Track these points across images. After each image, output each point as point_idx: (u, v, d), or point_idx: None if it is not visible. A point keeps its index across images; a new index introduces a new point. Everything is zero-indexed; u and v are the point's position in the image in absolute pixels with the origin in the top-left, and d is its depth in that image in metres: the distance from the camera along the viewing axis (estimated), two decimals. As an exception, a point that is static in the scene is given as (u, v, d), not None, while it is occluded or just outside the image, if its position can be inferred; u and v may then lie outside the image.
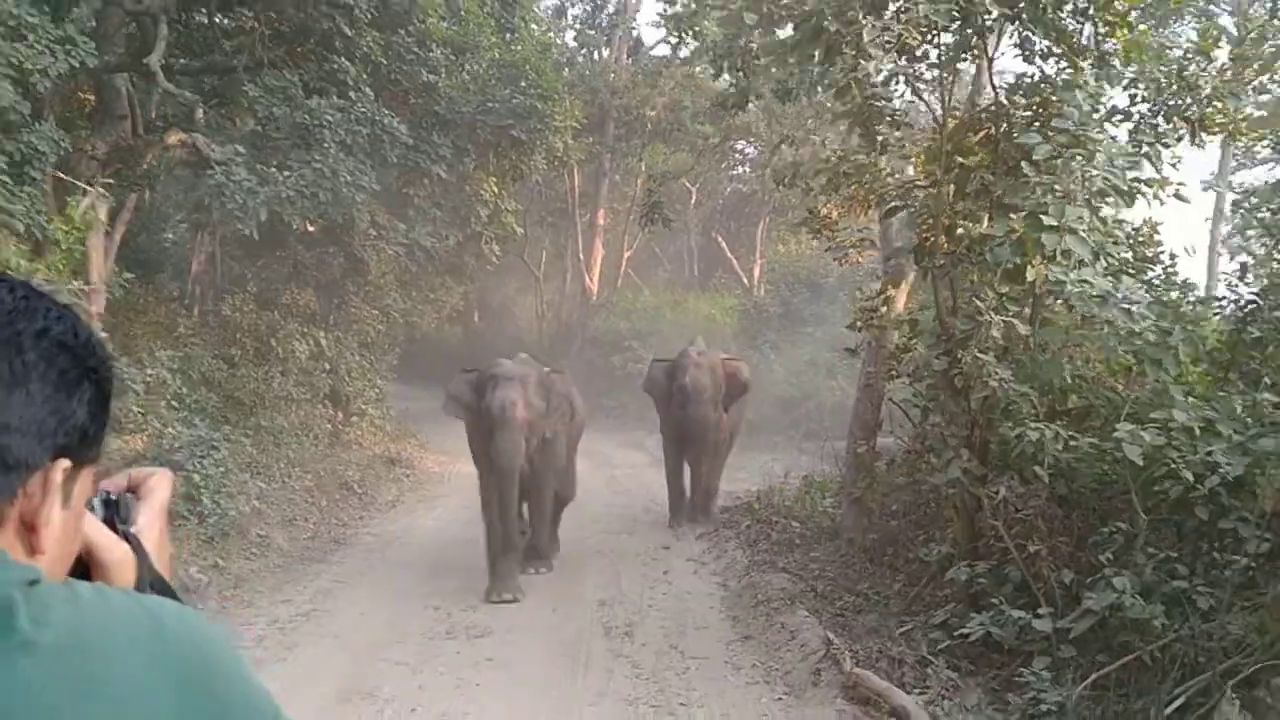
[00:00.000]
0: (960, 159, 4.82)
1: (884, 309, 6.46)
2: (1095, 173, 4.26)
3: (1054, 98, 4.63)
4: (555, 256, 22.53)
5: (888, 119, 5.07)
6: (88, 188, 7.69)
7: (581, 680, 5.62)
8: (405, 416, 15.06)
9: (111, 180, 9.67)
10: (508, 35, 11.93)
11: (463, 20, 11.30)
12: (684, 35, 11.04)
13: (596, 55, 20.23)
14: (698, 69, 12.63)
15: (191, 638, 0.77)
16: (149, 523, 0.94)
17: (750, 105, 8.77)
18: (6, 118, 8.29)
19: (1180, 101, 5.16)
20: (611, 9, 19.73)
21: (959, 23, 4.71)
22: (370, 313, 14.20)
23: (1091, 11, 4.62)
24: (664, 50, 17.80)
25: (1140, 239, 5.30)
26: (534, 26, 12.79)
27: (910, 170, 5.84)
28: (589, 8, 20.15)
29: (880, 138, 5.12)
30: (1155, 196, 5.04)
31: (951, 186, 4.89)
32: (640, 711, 5.08)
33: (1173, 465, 4.09)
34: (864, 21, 4.55)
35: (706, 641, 6.13)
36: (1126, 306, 4.10)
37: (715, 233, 22.45)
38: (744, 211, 21.99)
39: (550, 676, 5.66)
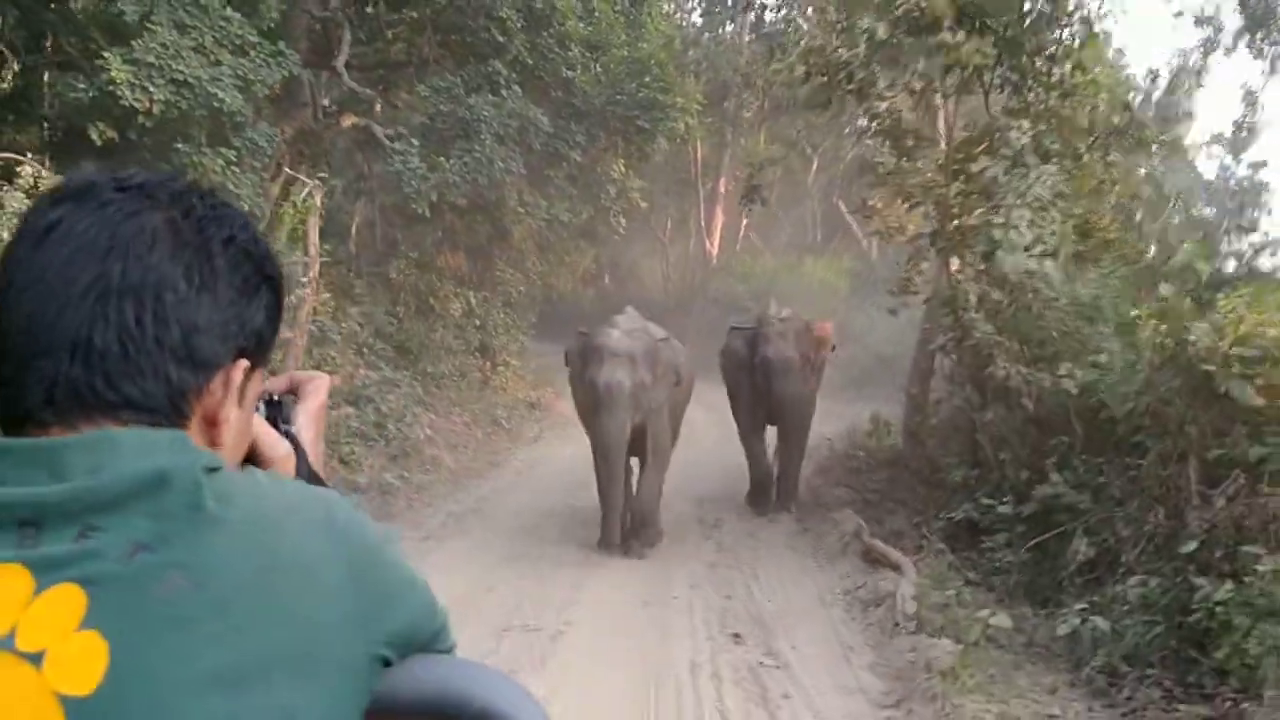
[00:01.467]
0: (956, 168, 6.56)
1: (916, 279, 8.26)
2: (1030, 186, 5.95)
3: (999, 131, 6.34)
4: (680, 222, 24.51)
5: (910, 134, 6.84)
6: (305, 179, 10.07)
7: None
8: (543, 368, 17.36)
9: (292, 159, 12.17)
10: (636, 32, 13.92)
11: (596, 21, 13.34)
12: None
13: (722, 31, 22.03)
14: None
15: (357, 523, 0.83)
16: (306, 423, 1.02)
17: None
18: (235, 119, 10.79)
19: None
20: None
21: (951, 72, 6.44)
22: (513, 275, 16.47)
23: (1059, 57, 6.25)
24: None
25: (1099, 228, 6.93)
26: (661, 23, 14.71)
27: (929, 175, 7.59)
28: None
29: (904, 149, 6.89)
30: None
31: (951, 188, 6.64)
32: (720, 572, 7.21)
33: (1101, 395, 5.83)
34: (879, 73, 6.31)
35: (775, 532, 8.28)
36: (1044, 281, 5.82)
37: (836, 197, 24.00)
38: (864, 177, 23.40)
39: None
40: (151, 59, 9.48)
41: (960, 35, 6.21)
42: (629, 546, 7.69)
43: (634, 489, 8.18)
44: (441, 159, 11.46)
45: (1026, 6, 6.50)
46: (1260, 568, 4.24)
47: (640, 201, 15.16)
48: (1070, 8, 6.63)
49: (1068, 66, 6.38)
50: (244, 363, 0.85)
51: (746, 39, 20.73)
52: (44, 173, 8.39)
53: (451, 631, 0.88)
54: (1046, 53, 6.37)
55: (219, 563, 0.73)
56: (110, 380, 0.77)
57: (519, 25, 12.00)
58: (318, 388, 1.06)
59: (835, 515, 8.29)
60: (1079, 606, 4.89)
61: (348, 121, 13.45)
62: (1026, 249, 5.82)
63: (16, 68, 10.42)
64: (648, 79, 12.88)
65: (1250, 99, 25.40)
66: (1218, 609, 4.20)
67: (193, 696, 0.69)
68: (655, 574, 7.22)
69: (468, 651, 0.90)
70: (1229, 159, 26.67)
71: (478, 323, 15.25)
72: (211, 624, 0.71)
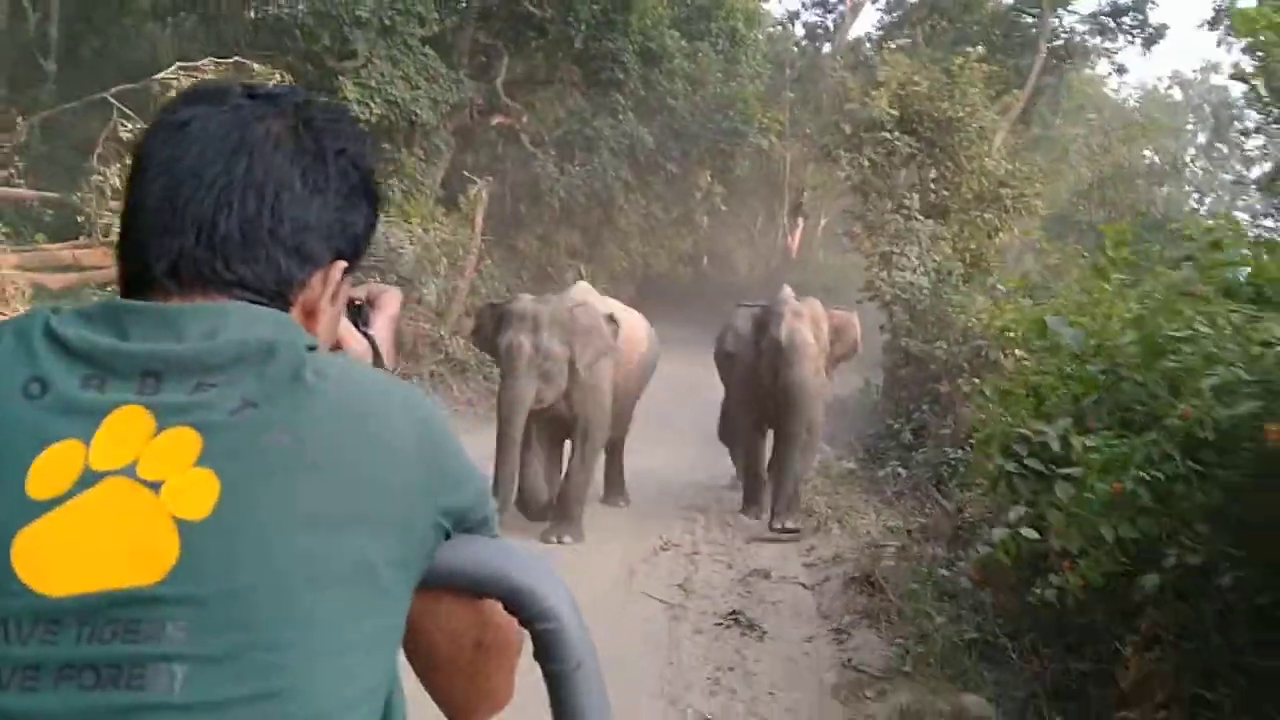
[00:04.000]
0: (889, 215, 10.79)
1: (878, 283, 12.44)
2: (915, 231, 10.10)
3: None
4: (769, 219, 28.68)
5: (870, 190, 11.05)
6: (476, 179, 14.73)
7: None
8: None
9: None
10: (733, 67, 18.22)
11: (699, 60, 17.69)
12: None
13: (823, 49, 26.02)
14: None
15: (427, 409, 0.95)
16: (382, 327, 1.14)
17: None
18: (426, 129, 15.49)
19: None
20: (835, 16, 25.52)
21: (889, 157, 10.64)
22: (618, 253, 20.90)
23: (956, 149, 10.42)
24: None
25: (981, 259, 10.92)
26: (754, 63, 18.95)
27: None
28: (819, 13, 26.06)
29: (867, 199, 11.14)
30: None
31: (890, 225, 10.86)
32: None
33: (941, 356, 10.02)
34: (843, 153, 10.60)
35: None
36: (916, 289, 9.92)
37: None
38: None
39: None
40: (373, 83, 14.22)
41: (896, 133, 10.41)
42: (552, 530, 7.36)
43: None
44: (569, 165, 16.00)
45: (942, 114, 10.69)
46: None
47: (721, 205, 19.49)
48: (964, 114, 10.82)
49: (965, 159, 10.44)
50: (341, 263, 0.98)
51: (839, 60, 24.76)
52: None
53: (496, 521, 0.99)
54: (952, 145, 10.46)
55: (313, 424, 0.84)
56: (229, 262, 0.90)
57: (637, 65, 16.44)
58: (392, 299, 1.19)
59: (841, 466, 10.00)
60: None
61: (496, 120, 18.11)
62: (911, 270, 9.90)
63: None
64: (732, 112, 17.19)
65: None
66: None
67: (287, 531, 0.80)
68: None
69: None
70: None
71: (586, 290, 19.74)
72: (305, 475, 0.82)
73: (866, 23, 25.21)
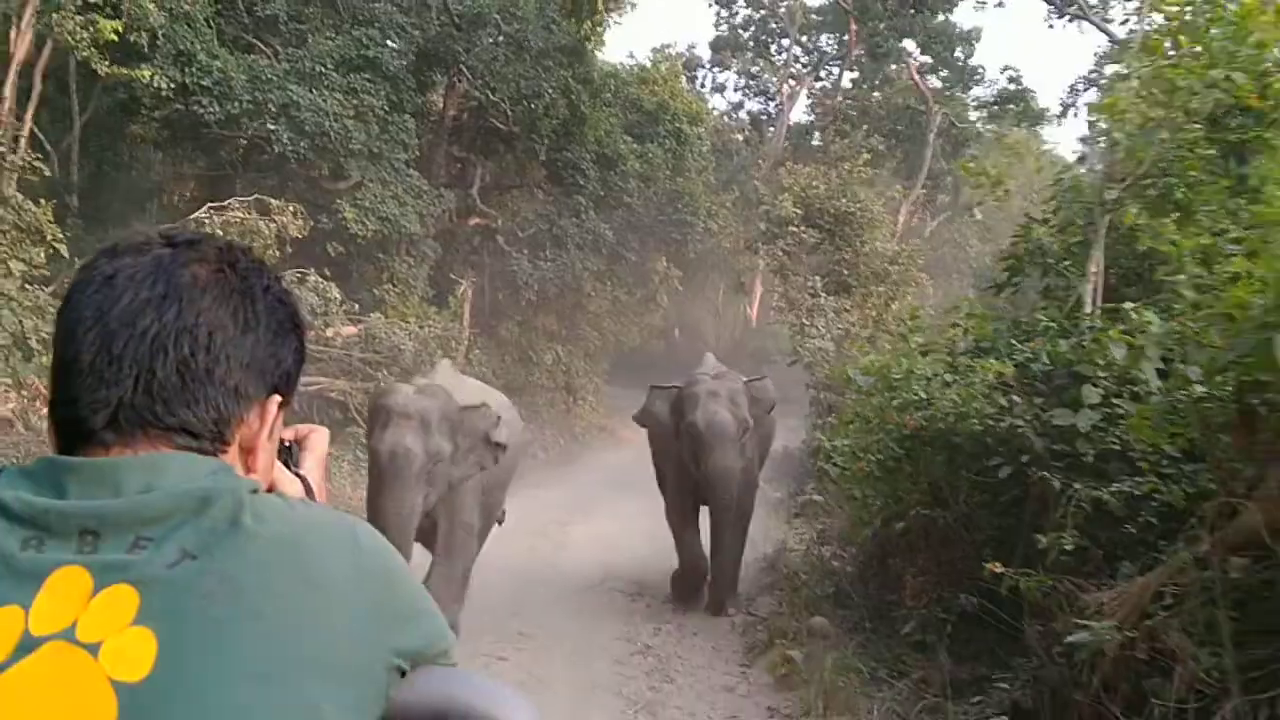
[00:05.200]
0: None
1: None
2: (821, 304, 12.77)
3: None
4: (736, 289, 31.54)
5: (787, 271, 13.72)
6: (460, 279, 17.39)
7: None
8: (613, 407, 24.37)
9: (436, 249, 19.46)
10: (680, 164, 21.07)
11: (649, 160, 20.49)
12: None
13: (766, 134, 29.03)
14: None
15: (379, 548, 0.96)
16: (312, 468, 1.17)
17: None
18: (413, 238, 18.11)
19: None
20: (775, 104, 28.62)
21: (798, 246, 13.35)
22: (591, 333, 23.51)
23: (852, 237, 13.16)
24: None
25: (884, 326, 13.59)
26: (698, 160, 21.78)
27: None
28: (760, 101, 29.18)
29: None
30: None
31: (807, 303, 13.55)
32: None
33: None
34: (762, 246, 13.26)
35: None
36: (823, 352, 12.52)
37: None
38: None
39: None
40: (367, 203, 16.84)
41: (802, 227, 13.13)
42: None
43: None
44: (540, 260, 18.69)
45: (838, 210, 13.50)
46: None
47: (678, 285, 22.24)
48: (855, 209, 13.60)
49: (860, 244, 13.14)
50: (277, 398, 1.02)
51: (782, 144, 27.76)
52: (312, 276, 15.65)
53: (454, 651, 1.00)
54: (847, 233, 13.14)
55: (254, 573, 0.84)
56: (169, 406, 0.93)
57: (594, 169, 19.22)
58: (320, 439, 1.20)
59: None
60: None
61: (473, 222, 20.82)
62: (819, 337, 12.51)
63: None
64: (681, 205, 20.01)
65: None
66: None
67: (229, 687, 0.79)
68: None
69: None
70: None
71: (564, 368, 22.30)
72: (246, 625, 0.82)
73: (801, 110, 28.23)
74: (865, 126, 20.03)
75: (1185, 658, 3.50)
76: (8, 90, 11.98)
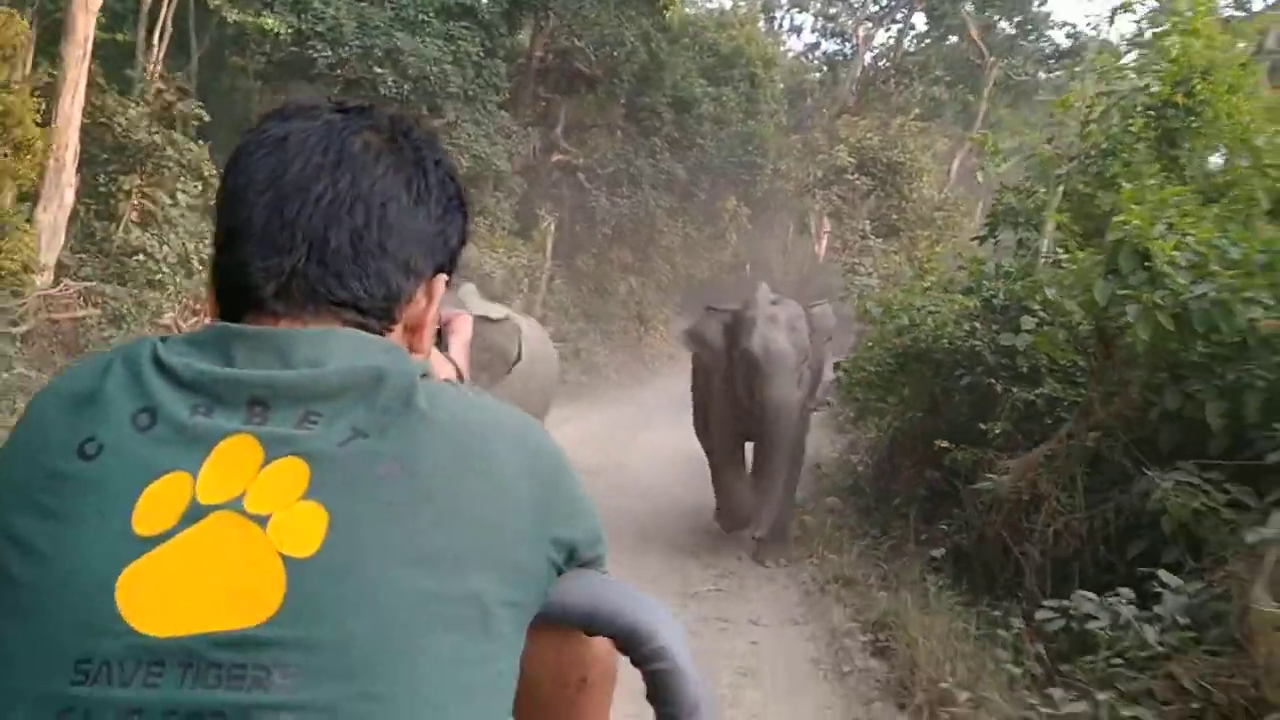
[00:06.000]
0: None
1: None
2: (872, 248, 14.32)
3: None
4: (801, 229, 33.04)
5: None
6: (545, 215, 19.24)
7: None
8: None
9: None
10: (754, 106, 22.57)
11: (723, 103, 22.04)
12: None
13: (839, 76, 30.22)
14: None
15: (547, 445, 0.95)
16: (458, 352, 1.20)
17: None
18: (503, 175, 19.98)
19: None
20: (850, 45, 29.79)
21: (851, 192, 14.85)
22: (663, 266, 25.28)
23: (903, 187, 14.60)
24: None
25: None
26: (773, 103, 23.26)
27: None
28: (836, 42, 30.34)
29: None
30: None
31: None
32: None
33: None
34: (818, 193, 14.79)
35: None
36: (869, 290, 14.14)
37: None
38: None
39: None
40: (461, 142, 18.66)
41: (856, 175, 14.67)
42: None
43: None
44: (617, 197, 20.45)
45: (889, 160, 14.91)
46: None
47: (747, 224, 23.87)
48: (905, 160, 14.98)
49: (909, 191, 14.60)
50: (443, 276, 1.00)
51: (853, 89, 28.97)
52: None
53: (606, 559, 0.99)
54: (897, 182, 14.62)
55: (426, 457, 0.83)
56: (341, 278, 0.91)
57: (670, 112, 20.84)
58: (464, 323, 1.23)
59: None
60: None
61: (555, 159, 22.60)
62: (867, 275, 14.10)
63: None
64: (751, 147, 21.56)
65: None
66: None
67: (397, 568, 0.79)
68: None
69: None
70: None
71: (637, 299, 24.16)
72: (416, 509, 0.81)
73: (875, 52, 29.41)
74: (927, 78, 21.32)
75: (1049, 496, 5.26)
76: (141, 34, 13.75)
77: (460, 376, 1.18)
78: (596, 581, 0.97)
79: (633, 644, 0.95)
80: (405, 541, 0.81)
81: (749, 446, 7.93)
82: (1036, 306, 6.37)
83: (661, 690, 0.95)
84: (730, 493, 7.90)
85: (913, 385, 7.62)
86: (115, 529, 0.78)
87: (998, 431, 6.11)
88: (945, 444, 6.30)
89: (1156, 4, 8.14)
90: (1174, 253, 4.70)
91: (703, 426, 8.64)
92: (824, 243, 30.38)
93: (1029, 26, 21.80)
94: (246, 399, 0.84)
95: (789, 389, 7.31)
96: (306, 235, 0.91)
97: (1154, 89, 6.77)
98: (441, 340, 1.20)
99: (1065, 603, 4.58)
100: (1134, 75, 6.89)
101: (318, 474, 0.81)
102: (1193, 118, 6.75)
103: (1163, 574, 4.31)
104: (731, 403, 7.68)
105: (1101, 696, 3.86)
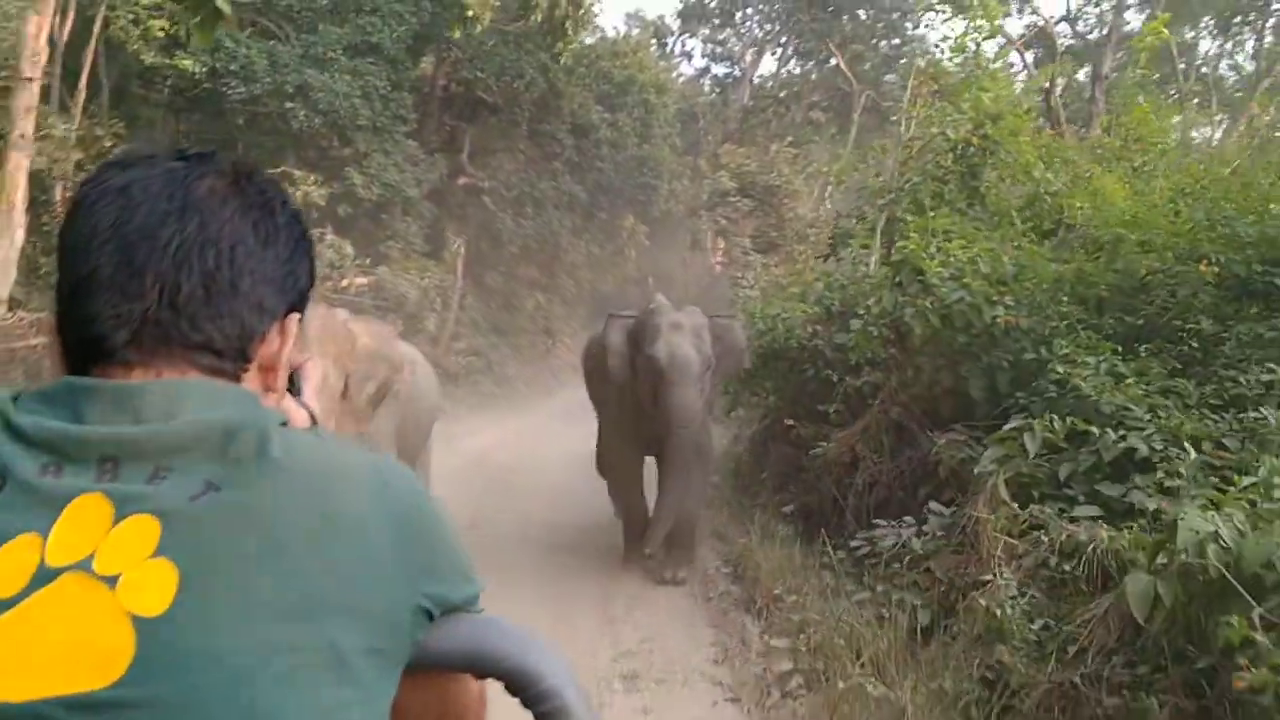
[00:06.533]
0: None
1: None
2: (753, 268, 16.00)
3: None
4: (694, 245, 34.94)
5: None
6: (455, 237, 20.59)
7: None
8: (588, 346, 27.75)
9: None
10: (646, 132, 24.27)
11: (619, 129, 23.68)
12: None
13: (729, 98, 32.18)
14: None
15: (411, 490, 0.95)
16: (311, 397, 1.22)
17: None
18: (412, 201, 21.27)
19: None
20: (738, 68, 31.76)
21: (734, 213, 16.56)
22: (568, 281, 26.78)
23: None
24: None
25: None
26: (667, 127, 24.98)
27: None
28: (726, 65, 32.32)
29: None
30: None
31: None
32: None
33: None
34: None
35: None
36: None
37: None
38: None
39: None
40: (372, 171, 19.93)
41: (739, 198, 16.41)
42: None
43: None
44: (522, 219, 21.91)
45: (766, 184, 16.70)
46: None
47: (644, 240, 25.56)
48: (780, 184, 16.76)
49: (784, 212, 16.47)
50: (296, 316, 1.01)
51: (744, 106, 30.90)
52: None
53: (479, 598, 0.99)
54: (774, 203, 16.52)
55: (280, 508, 0.83)
56: (194, 322, 0.92)
57: (570, 138, 22.40)
58: (315, 368, 1.24)
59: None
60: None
61: (462, 181, 23.97)
62: (748, 288, 15.82)
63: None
64: (646, 170, 23.26)
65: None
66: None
67: (248, 622, 0.79)
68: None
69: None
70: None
71: (544, 313, 25.63)
72: (270, 561, 0.81)
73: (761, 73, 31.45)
74: (804, 104, 23.30)
75: (864, 457, 6.90)
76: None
77: (314, 421, 1.22)
78: (476, 625, 0.97)
79: (520, 685, 0.96)
80: (257, 594, 0.81)
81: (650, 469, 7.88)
82: (861, 311, 8.02)
83: None
84: (633, 504, 7.85)
85: (774, 379, 9.23)
86: None
87: (833, 411, 7.74)
88: (791, 422, 7.90)
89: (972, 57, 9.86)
90: (939, 269, 6.36)
91: (602, 453, 8.53)
92: (718, 257, 32.29)
93: (904, 49, 23.92)
94: (96, 456, 0.84)
95: (693, 395, 7.16)
96: (157, 281, 0.91)
97: (952, 134, 8.50)
98: (294, 385, 1.21)
99: (872, 533, 6.20)
100: (950, 117, 8.60)
101: (168, 530, 0.80)
102: (988, 155, 8.49)
103: (934, 505, 5.93)
104: (634, 411, 7.51)
105: (880, 588, 5.47)
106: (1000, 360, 6.28)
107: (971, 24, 9.66)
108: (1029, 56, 17.87)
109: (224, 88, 18.35)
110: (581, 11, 18.19)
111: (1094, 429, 5.02)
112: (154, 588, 0.78)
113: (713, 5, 31.63)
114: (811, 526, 7.23)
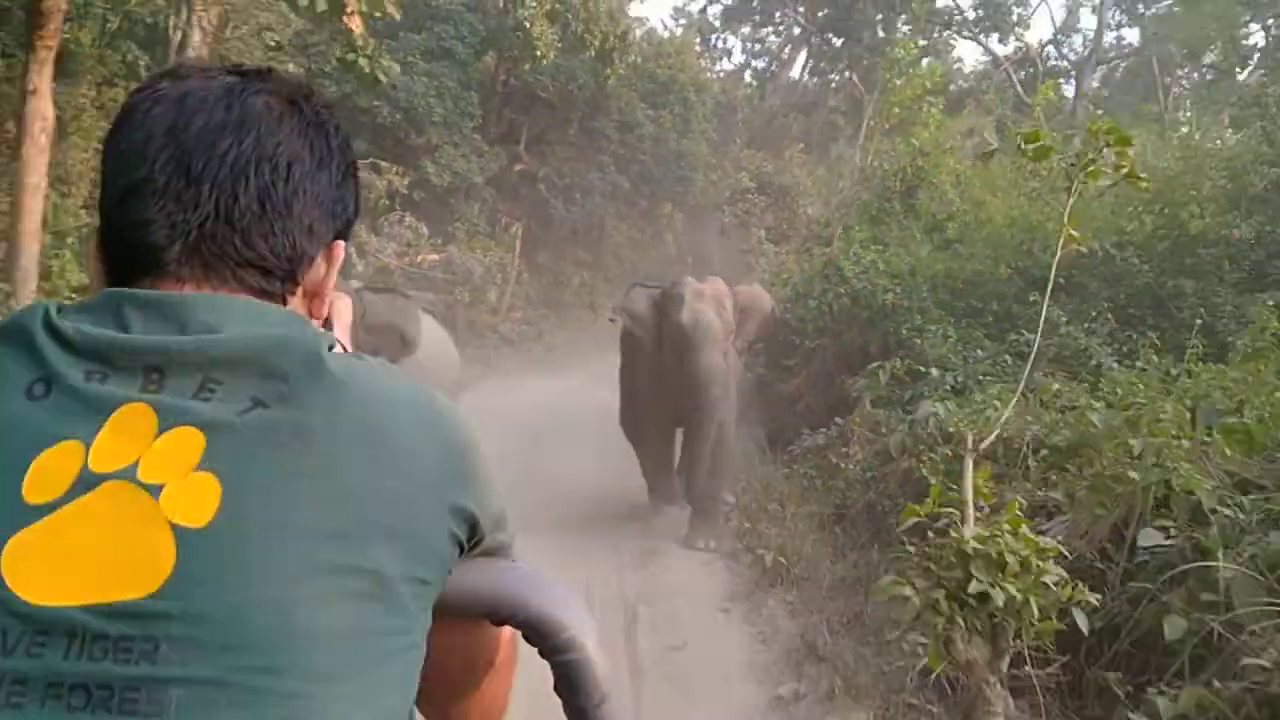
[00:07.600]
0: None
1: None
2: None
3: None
4: (724, 232, 38.23)
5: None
6: (514, 221, 24.13)
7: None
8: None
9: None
10: (685, 127, 27.62)
11: (661, 123, 27.04)
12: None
13: (766, 92, 35.34)
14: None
15: (460, 421, 0.97)
16: (341, 332, 1.19)
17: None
18: (478, 188, 24.78)
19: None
20: (775, 63, 34.99)
21: (750, 208, 19.88)
22: (613, 261, 30.13)
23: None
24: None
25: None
26: (704, 124, 28.25)
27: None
28: (764, 60, 35.55)
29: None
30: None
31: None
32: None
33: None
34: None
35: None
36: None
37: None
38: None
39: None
40: (443, 161, 23.45)
41: (754, 195, 19.81)
42: None
43: None
44: (572, 206, 25.39)
45: (779, 183, 20.09)
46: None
47: (680, 228, 28.97)
48: (791, 183, 20.06)
49: (797, 208, 19.84)
50: (342, 243, 1.03)
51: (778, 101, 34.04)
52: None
53: (513, 547, 1.02)
54: (790, 203, 19.81)
55: (329, 429, 0.85)
56: (248, 237, 0.93)
57: (615, 133, 25.83)
58: (345, 307, 1.21)
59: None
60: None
61: (518, 168, 27.45)
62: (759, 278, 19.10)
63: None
64: (684, 164, 26.64)
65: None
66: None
67: (291, 542, 0.81)
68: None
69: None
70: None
71: (589, 289, 29.09)
72: (315, 481, 0.83)
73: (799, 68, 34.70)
74: (824, 109, 26.48)
75: (805, 393, 10.36)
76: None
77: None
78: (500, 570, 0.99)
79: (539, 636, 0.97)
80: (302, 513, 0.82)
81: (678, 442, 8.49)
82: (814, 296, 11.41)
83: (569, 681, 0.97)
84: (659, 470, 8.37)
85: (764, 342, 12.65)
86: (4, 498, 0.79)
87: (793, 365, 11.19)
88: (763, 370, 11.36)
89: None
90: (853, 266, 9.80)
91: (630, 420, 8.83)
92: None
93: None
94: (142, 366, 0.85)
95: (716, 359, 7.57)
96: (214, 191, 0.92)
97: (887, 166, 11.88)
98: (325, 320, 1.20)
99: (801, 440, 9.62)
100: (890, 152, 11.99)
101: (213, 444, 0.82)
102: (921, 180, 11.88)
103: (838, 419, 9.35)
104: (660, 378, 7.89)
105: (799, 469, 8.94)
106: (888, 328, 9.67)
107: (913, 79, 12.99)
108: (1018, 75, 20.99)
109: (318, 87, 21.84)
110: (626, 43, 21.56)
111: (921, 367, 8.39)
112: (197, 500, 0.80)
113: (755, 3, 34.81)
114: (773, 438, 10.67)
